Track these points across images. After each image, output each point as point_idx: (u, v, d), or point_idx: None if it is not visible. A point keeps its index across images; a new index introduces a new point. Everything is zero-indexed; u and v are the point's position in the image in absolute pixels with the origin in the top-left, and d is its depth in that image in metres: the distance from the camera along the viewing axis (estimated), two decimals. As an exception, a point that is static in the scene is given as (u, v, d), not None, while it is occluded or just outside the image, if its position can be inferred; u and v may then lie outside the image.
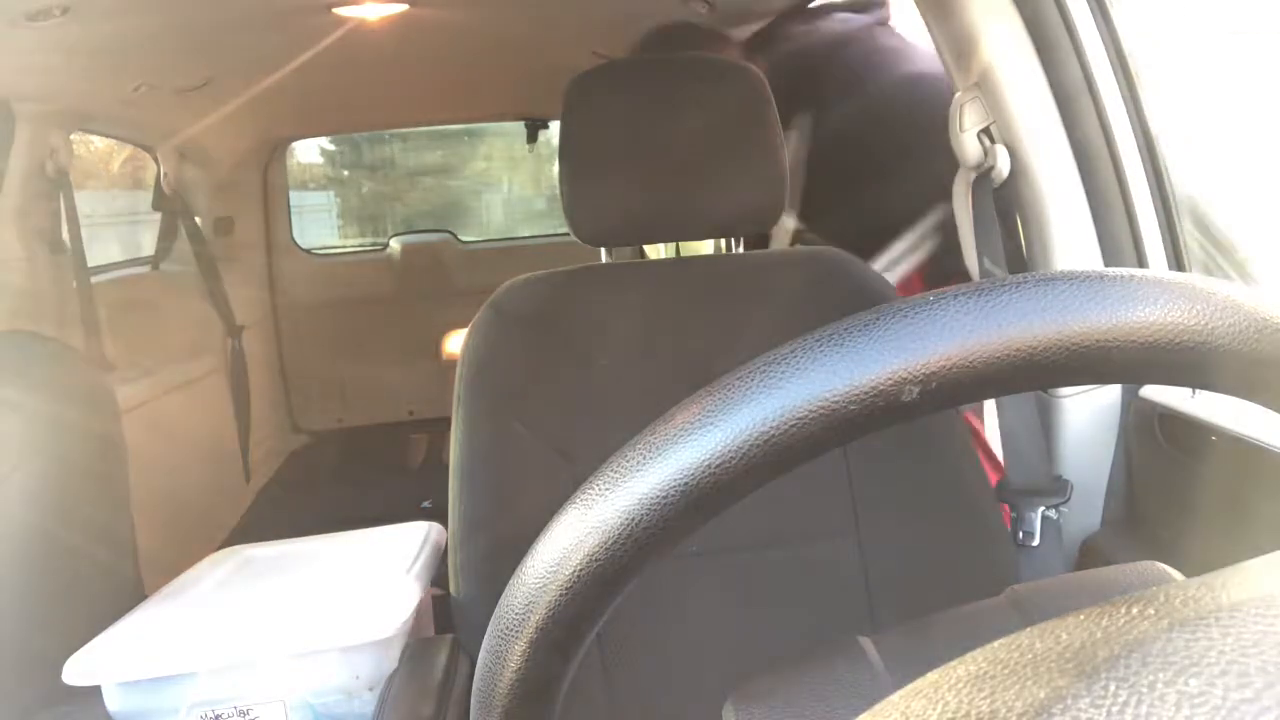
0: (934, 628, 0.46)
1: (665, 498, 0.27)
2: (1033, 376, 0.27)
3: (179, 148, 2.47)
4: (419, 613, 1.02)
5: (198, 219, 2.62)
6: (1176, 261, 1.13)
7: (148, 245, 2.64)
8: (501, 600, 0.31)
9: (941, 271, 1.78)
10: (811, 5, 1.88)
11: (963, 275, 1.35)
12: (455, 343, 2.39)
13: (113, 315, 2.08)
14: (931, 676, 0.20)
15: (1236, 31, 1.12)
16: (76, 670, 0.89)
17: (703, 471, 0.27)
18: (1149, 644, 0.18)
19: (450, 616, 0.92)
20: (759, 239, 1.76)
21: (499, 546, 0.90)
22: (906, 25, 1.77)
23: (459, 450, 0.94)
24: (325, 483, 2.93)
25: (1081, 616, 0.21)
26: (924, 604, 0.55)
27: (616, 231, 1.03)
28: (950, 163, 1.45)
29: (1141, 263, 1.12)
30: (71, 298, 1.88)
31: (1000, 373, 0.27)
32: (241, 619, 0.97)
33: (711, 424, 0.27)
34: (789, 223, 1.80)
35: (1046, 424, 1.16)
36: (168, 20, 1.61)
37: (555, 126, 3.06)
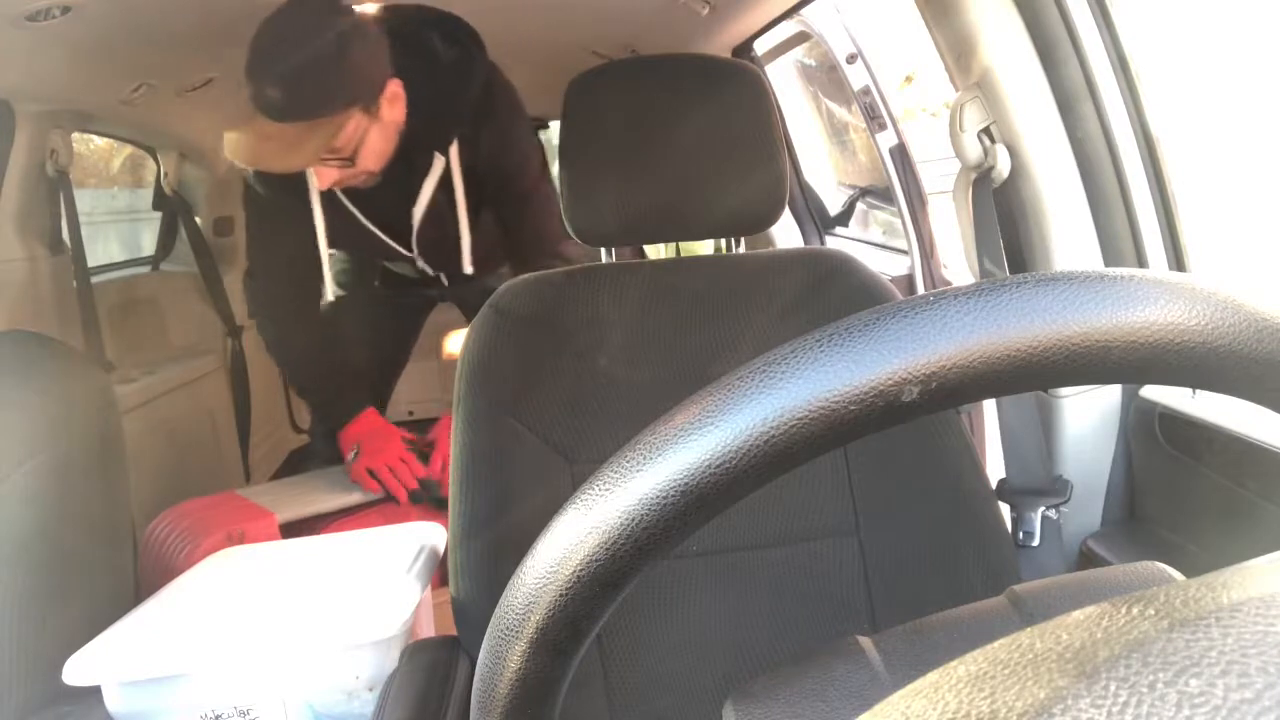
0: (934, 628, 0.46)
1: (665, 498, 0.27)
2: (1033, 377, 0.27)
3: (179, 148, 2.47)
4: (419, 613, 1.02)
5: (198, 219, 2.62)
6: (1177, 261, 1.13)
7: (148, 245, 2.64)
8: (501, 600, 0.31)
9: None
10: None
11: None
12: (455, 343, 2.39)
13: (113, 315, 2.08)
14: (931, 676, 0.20)
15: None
16: (76, 670, 0.89)
17: (703, 471, 0.27)
18: (1149, 644, 0.18)
19: (450, 616, 0.92)
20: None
21: (499, 546, 0.90)
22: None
23: (459, 450, 0.94)
24: None
25: (1081, 616, 0.21)
26: (924, 604, 0.55)
27: (616, 232, 1.03)
28: None
29: (1141, 263, 1.13)
30: (71, 298, 1.88)
31: (1000, 373, 0.27)
32: (241, 619, 0.97)
33: (711, 424, 0.27)
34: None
35: (1046, 424, 1.16)
36: (168, 20, 1.61)
37: (555, 126, 3.05)
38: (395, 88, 1.49)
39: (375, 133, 1.48)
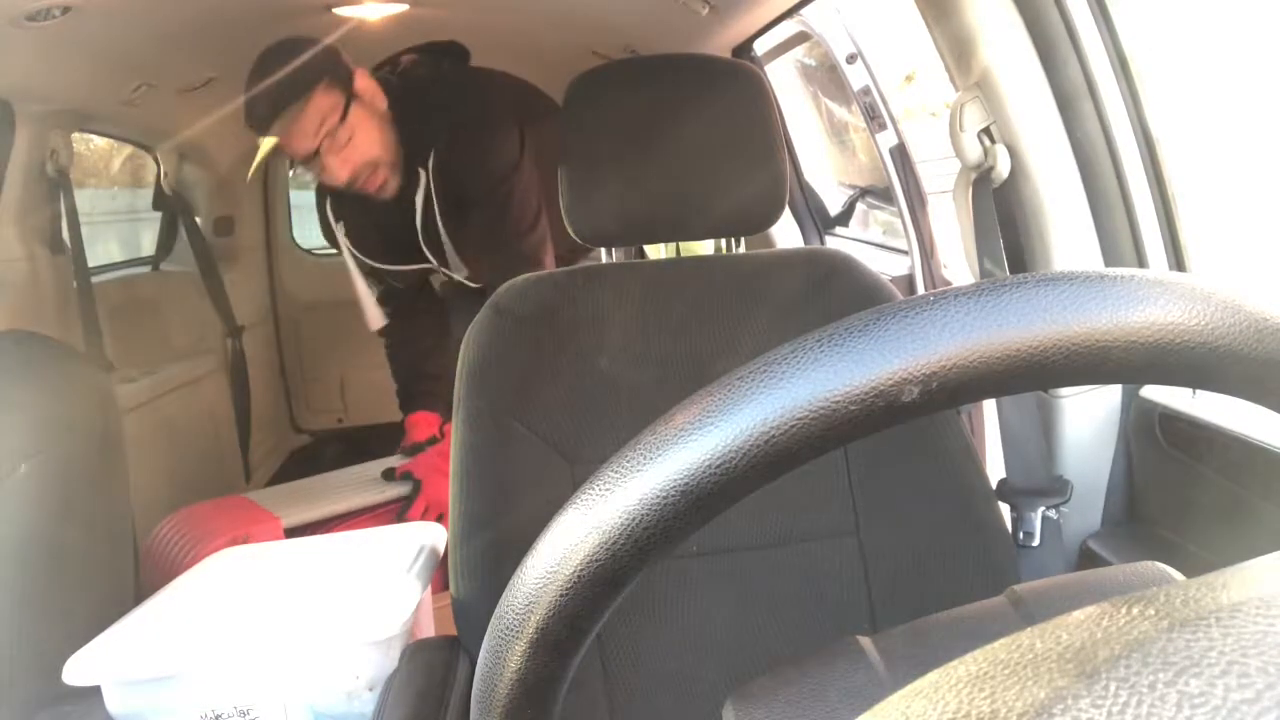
0: (934, 628, 0.46)
1: (665, 498, 0.27)
2: (1033, 377, 0.27)
3: (179, 148, 2.47)
4: (419, 613, 1.02)
5: (198, 219, 2.62)
6: (1177, 261, 1.13)
7: (148, 245, 2.64)
8: (501, 600, 0.31)
9: None
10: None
11: None
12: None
13: (113, 315, 2.08)
14: (931, 676, 0.20)
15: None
16: (76, 670, 0.89)
17: (703, 471, 0.27)
18: (1149, 644, 0.18)
19: (450, 616, 0.92)
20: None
21: (499, 546, 0.90)
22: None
23: (459, 450, 0.94)
24: None
25: (1081, 616, 0.21)
26: (924, 604, 0.55)
27: (616, 231, 1.03)
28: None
29: (1142, 263, 1.12)
30: (71, 298, 1.88)
31: (1000, 373, 0.27)
32: (241, 619, 0.97)
33: (711, 424, 0.27)
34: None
35: (1046, 424, 1.16)
36: (167, 20, 1.61)
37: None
38: (364, 78, 1.62)
39: (361, 115, 1.60)
